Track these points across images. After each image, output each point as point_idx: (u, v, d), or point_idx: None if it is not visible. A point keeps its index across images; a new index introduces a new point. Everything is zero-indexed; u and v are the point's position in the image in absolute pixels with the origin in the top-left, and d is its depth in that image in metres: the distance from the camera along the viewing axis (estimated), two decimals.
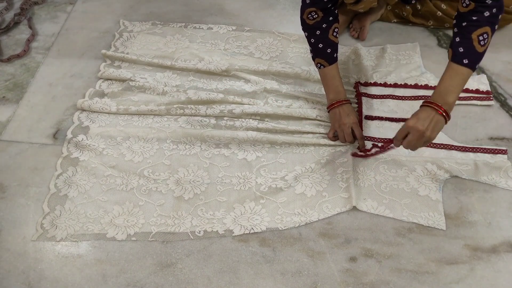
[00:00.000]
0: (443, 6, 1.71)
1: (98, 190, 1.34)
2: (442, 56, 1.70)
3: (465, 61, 1.16)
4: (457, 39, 1.17)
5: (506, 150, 1.40)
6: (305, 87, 1.60)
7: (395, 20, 1.82)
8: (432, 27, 1.79)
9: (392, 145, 1.28)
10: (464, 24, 1.16)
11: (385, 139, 1.44)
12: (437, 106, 1.17)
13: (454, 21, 1.20)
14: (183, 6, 1.97)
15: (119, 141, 1.45)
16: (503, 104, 1.54)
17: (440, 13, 1.73)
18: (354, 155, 1.40)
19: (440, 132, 1.43)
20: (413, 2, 1.70)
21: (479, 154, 1.39)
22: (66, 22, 1.91)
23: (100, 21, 1.90)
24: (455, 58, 1.17)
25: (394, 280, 1.16)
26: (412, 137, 1.19)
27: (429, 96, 1.52)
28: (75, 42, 1.82)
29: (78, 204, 1.31)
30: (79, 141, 1.45)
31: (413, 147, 1.21)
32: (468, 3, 1.15)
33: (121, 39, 1.81)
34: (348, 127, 1.40)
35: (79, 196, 1.33)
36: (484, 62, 1.63)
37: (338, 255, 1.21)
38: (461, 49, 1.17)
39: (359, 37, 1.77)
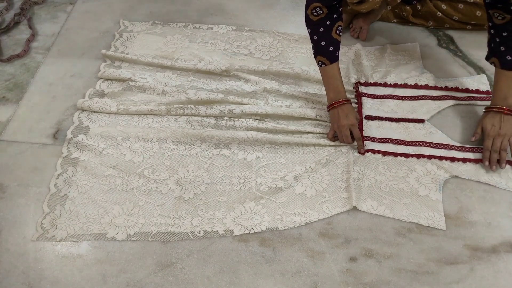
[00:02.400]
0: (443, 6, 1.71)
1: (98, 190, 1.34)
2: (442, 56, 1.70)
3: None
4: (502, 48, 1.32)
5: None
6: (305, 87, 1.60)
7: (395, 20, 1.82)
8: (432, 27, 1.79)
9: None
10: (505, 34, 1.30)
11: (387, 139, 1.44)
12: (501, 109, 1.36)
13: (492, 31, 1.34)
14: (183, 6, 1.97)
15: (119, 141, 1.45)
16: None
17: (440, 14, 1.73)
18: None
19: (440, 132, 1.44)
20: (414, 2, 1.70)
21: (478, 154, 1.39)
22: (66, 22, 1.91)
23: (100, 21, 1.90)
24: (505, 66, 1.33)
25: (394, 280, 1.16)
26: (497, 141, 1.35)
27: (429, 96, 1.54)
28: (75, 42, 1.82)
29: (78, 204, 1.31)
30: (79, 141, 1.45)
31: (502, 148, 1.35)
32: (503, 16, 1.28)
33: (121, 39, 1.81)
34: (346, 128, 1.40)
35: (79, 196, 1.33)
36: (484, 62, 1.63)
37: (338, 255, 1.21)
38: (508, 57, 1.32)
39: (359, 37, 1.77)
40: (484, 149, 1.37)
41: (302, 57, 1.72)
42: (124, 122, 1.51)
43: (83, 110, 1.55)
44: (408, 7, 1.76)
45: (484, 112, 1.41)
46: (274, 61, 1.71)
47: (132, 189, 1.34)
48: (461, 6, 1.68)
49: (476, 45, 1.73)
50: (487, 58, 1.40)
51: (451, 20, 1.73)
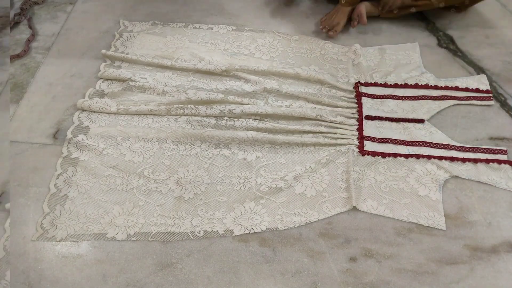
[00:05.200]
0: None
1: (98, 190, 1.34)
2: (442, 56, 1.70)
3: None
4: None
5: (506, 150, 1.40)
6: (305, 87, 1.60)
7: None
8: (415, 11, 1.79)
9: None
10: None
11: (387, 139, 1.44)
12: None
13: None
14: (183, 6, 1.96)
15: (119, 141, 1.45)
16: (503, 104, 1.54)
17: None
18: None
19: (440, 132, 1.44)
20: None
21: (479, 154, 1.39)
22: (66, 22, 1.91)
23: (100, 21, 1.90)
24: None
25: (394, 280, 1.16)
26: None
27: (429, 96, 1.54)
28: (75, 42, 1.81)
29: (78, 204, 1.31)
30: (79, 141, 1.45)
31: None
32: None
33: (121, 39, 1.80)
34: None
35: (79, 196, 1.33)
36: (484, 62, 1.64)
37: (338, 255, 1.21)
38: None
39: (360, 23, 1.76)
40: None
41: (302, 57, 1.72)
42: (124, 122, 1.51)
43: (83, 110, 1.55)
44: None
45: None
46: (274, 61, 1.71)
47: (132, 189, 1.34)
48: None
49: (476, 45, 1.73)
50: None
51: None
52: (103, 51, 1.73)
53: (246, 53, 1.75)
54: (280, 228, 1.26)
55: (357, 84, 1.60)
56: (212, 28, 1.86)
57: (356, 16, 1.77)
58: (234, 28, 1.85)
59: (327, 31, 1.78)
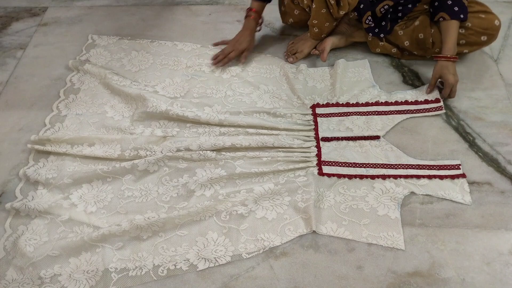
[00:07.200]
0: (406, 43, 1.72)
1: (48, 247, 1.26)
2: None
3: (462, 16, 1.51)
4: (449, 2, 1.51)
5: (460, 164, 1.41)
6: (260, 115, 1.60)
7: (378, 50, 1.79)
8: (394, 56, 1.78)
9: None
10: None
11: (346, 163, 1.44)
12: (452, 58, 1.52)
13: None
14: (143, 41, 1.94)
15: (70, 191, 1.39)
16: None
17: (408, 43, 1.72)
18: None
19: (396, 148, 1.46)
20: (382, 36, 1.71)
21: (433, 170, 1.41)
22: (15, 69, 1.82)
23: (52, 67, 1.81)
24: (454, 16, 1.50)
25: None
26: (455, 87, 1.53)
27: (382, 111, 1.57)
28: (24, 91, 1.73)
29: (29, 263, 1.23)
30: (25, 203, 1.35)
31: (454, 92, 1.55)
32: None
33: (78, 74, 1.77)
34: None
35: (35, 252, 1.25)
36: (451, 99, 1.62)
37: None
38: (456, 8, 1.50)
39: (320, 58, 1.77)
40: (443, 95, 1.57)
41: (262, 77, 1.74)
42: (72, 168, 1.46)
43: (35, 149, 1.49)
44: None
45: (437, 60, 1.55)
46: (234, 80, 1.72)
47: (83, 237, 1.26)
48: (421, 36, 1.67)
49: None
50: (433, 15, 1.57)
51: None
52: (33, 136, 1.54)
53: (207, 71, 1.77)
54: (245, 257, 1.25)
55: (314, 106, 1.61)
56: (177, 45, 1.89)
57: (320, 49, 1.78)
58: (199, 45, 1.88)
59: (288, 57, 1.80)
